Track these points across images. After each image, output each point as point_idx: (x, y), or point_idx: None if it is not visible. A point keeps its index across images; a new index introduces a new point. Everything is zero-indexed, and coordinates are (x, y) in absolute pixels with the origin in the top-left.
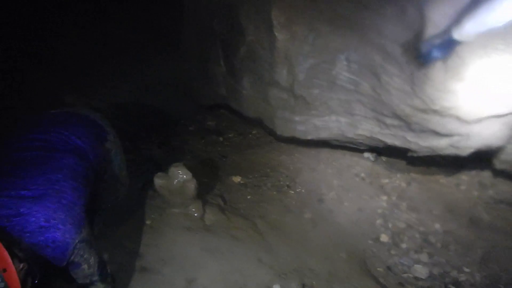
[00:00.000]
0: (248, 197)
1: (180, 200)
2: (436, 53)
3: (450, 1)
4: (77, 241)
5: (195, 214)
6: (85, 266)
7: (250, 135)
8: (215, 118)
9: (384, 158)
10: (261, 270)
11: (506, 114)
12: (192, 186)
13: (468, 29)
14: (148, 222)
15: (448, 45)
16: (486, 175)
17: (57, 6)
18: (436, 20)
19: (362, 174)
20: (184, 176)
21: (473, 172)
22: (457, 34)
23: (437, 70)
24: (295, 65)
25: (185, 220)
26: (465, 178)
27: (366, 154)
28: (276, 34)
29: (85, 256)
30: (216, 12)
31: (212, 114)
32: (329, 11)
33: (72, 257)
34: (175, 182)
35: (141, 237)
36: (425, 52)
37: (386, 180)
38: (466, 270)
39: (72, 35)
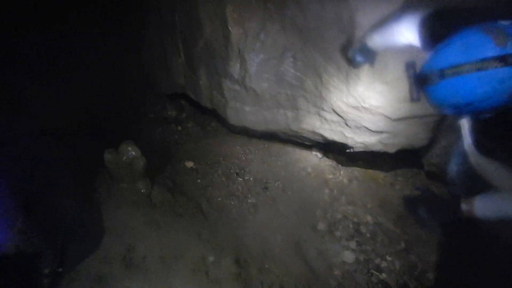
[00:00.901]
0: (198, 181)
1: (128, 176)
2: (361, 57)
3: (377, 8)
4: None
5: (142, 191)
6: None
7: (208, 127)
8: (175, 108)
9: (330, 156)
10: (199, 244)
11: (424, 116)
12: (140, 163)
13: (376, 41)
14: (95, 195)
15: (370, 53)
16: (420, 177)
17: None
18: (364, 25)
19: (309, 169)
20: (133, 153)
21: (409, 174)
22: (369, 42)
23: (366, 72)
24: (247, 59)
25: (131, 195)
26: (400, 179)
27: (314, 151)
28: (230, 29)
29: None
30: (177, 7)
31: (173, 105)
32: (278, 12)
33: None
34: (124, 158)
35: (88, 209)
36: (353, 55)
37: (330, 176)
38: (388, 258)
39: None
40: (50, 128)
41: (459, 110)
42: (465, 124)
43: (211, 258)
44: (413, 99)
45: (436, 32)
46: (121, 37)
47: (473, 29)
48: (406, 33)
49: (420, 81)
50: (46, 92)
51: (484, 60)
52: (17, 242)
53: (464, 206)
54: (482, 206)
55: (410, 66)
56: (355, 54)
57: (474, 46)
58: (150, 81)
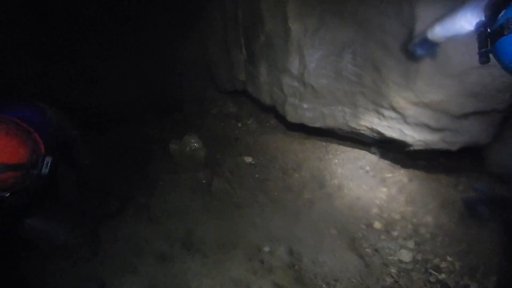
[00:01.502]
0: (256, 175)
1: (190, 166)
2: (422, 50)
3: (437, 2)
4: None
5: (203, 181)
6: None
7: (268, 124)
8: (236, 104)
9: (389, 155)
10: (254, 233)
11: (490, 111)
12: (202, 154)
13: (437, 32)
14: (161, 182)
15: (431, 46)
16: (483, 178)
17: None
18: (426, 19)
19: (367, 167)
20: (196, 144)
21: (474, 174)
22: (430, 35)
23: (427, 65)
24: (306, 56)
25: (193, 184)
26: (464, 179)
27: (373, 149)
28: (290, 25)
29: None
30: (240, 1)
31: (233, 101)
32: (338, 7)
33: None
34: (187, 149)
35: (153, 194)
36: (415, 48)
37: (389, 175)
38: (449, 259)
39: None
40: (120, 112)
41: None
42: None
43: (266, 248)
44: (483, 61)
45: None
46: (187, 30)
47: None
48: (471, 18)
49: (494, 36)
50: (118, 76)
51: None
52: None
53: None
54: None
55: (481, 25)
56: (415, 47)
57: None
58: (214, 77)
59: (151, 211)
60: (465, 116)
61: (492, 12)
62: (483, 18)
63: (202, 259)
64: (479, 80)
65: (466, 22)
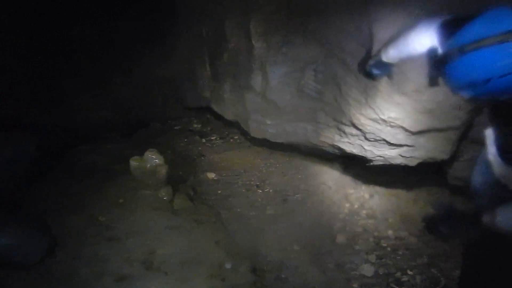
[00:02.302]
0: (219, 191)
1: (152, 183)
2: (378, 70)
3: (394, 22)
4: None
5: (165, 198)
6: None
7: (231, 140)
8: (200, 121)
9: (351, 171)
10: (217, 251)
11: (445, 129)
12: (163, 170)
13: (391, 54)
14: (121, 200)
15: (386, 66)
16: (445, 193)
17: None
18: (383, 39)
19: (329, 183)
20: (157, 161)
21: (433, 190)
22: (384, 56)
23: (385, 83)
24: (269, 72)
25: (154, 202)
26: (424, 194)
27: (335, 165)
28: (254, 43)
29: None
30: (205, 20)
31: (198, 117)
32: (301, 26)
33: None
34: (148, 166)
35: (113, 213)
36: (371, 68)
37: (351, 191)
38: (410, 272)
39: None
40: (84, 130)
41: (478, 90)
42: (490, 134)
43: (228, 265)
44: (432, 84)
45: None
46: (154, 47)
47: (500, 7)
48: (424, 40)
49: (440, 62)
50: (84, 93)
51: (508, 32)
52: None
53: (485, 218)
54: (504, 217)
55: (431, 50)
56: (371, 68)
57: (499, 20)
58: (179, 94)
59: (110, 230)
60: (422, 132)
61: (442, 36)
62: (435, 40)
63: (163, 278)
64: (434, 98)
65: (419, 43)
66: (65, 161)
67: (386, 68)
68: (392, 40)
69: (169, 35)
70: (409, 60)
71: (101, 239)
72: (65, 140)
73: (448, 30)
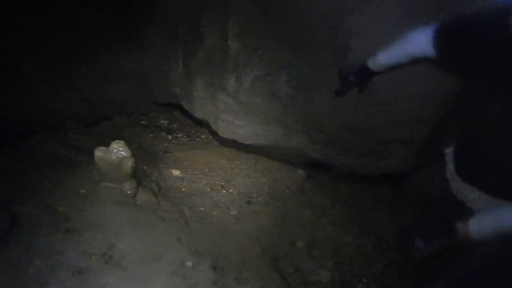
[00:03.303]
0: (183, 189)
1: (116, 175)
2: (355, 77)
3: (370, 35)
4: None
5: (128, 192)
6: None
7: (198, 139)
8: (168, 117)
9: (316, 177)
10: (178, 248)
11: (408, 142)
12: (129, 163)
13: (379, 59)
14: (82, 191)
15: (362, 75)
16: (402, 204)
17: None
18: (357, 50)
19: (293, 187)
20: (123, 153)
21: (394, 200)
22: (370, 64)
23: (355, 94)
24: (243, 74)
25: (117, 195)
26: (383, 205)
27: (300, 171)
28: (230, 43)
29: None
30: (181, 15)
31: (166, 113)
32: (277, 31)
33: None
34: (113, 157)
35: (73, 204)
36: (348, 74)
37: (314, 197)
38: (364, 280)
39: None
40: (43, 120)
41: None
42: (449, 152)
43: (189, 263)
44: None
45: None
46: (125, 40)
47: None
48: (420, 42)
49: None
50: (45, 81)
51: None
52: None
53: (459, 229)
54: (478, 226)
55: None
56: (349, 74)
57: None
58: (148, 89)
59: (69, 222)
60: (387, 143)
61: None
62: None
63: (122, 274)
64: (401, 111)
65: (415, 46)
66: (22, 149)
67: (364, 77)
68: (381, 47)
69: (141, 29)
70: (393, 67)
71: (58, 230)
72: (19, 127)
73: (447, 33)
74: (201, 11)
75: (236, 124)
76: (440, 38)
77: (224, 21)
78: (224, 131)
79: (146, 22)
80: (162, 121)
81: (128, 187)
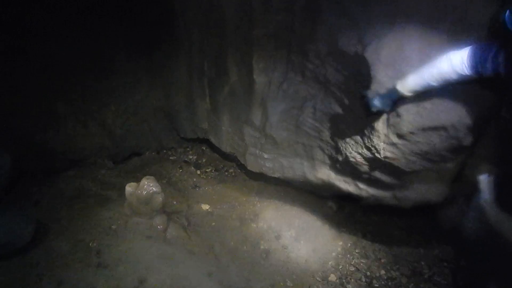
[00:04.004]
0: (213, 223)
1: (146, 211)
2: (378, 102)
3: (392, 64)
4: None
5: (159, 227)
6: None
7: (227, 173)
8: (196, 152)
9: (346, 209)
10: (209, 283)
11: (439, 171)
12: (159, 198)
13: (409, 82)
14: (113, 226)
15: (388, 100)
16: (434, 235)
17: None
18: (381, 79)
19: (323, 220)
20: (153, 188)
21: (426, 231)
22: (399, 86)
23: (381, 124)
24: (269, 108)
25: (147, 230)
26: (416, 236)
27: (330, 203)
28: (255, 77)
29: None
30: (207, 54)
31: (194, 148)
32: (300, 64)
33: None
34: (144, 193)
35: (105, 239)
36: (373, 100)
37: (344, 229)
38: None
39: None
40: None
41: None
42: (484, 179)
43: None
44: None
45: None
46: (151, 78)
47: None
48: (454, 62)
49: None
50: (78, 119)
51: None
52: None
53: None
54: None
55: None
56: (374, 98)
57: None
58: (176, 125)
59: (101, 257)
60: (415, 173)
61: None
62: (465, 63)
63: None
64: (428, 140)
65: (449, 67)
66: (53, 185)
67: (388, 102)
68: (411, 70)
69: (168, 66)
70: (405, 102)
71: (90, 265)
72: (53, 164)
73: (480, 53)
74: (226, 47)
75: (263, 157)
76: (474, 55)
77: (248, 57)
78: (252, 165)
79: (173, 60)
80: (190, 156)
81: (158, 222)
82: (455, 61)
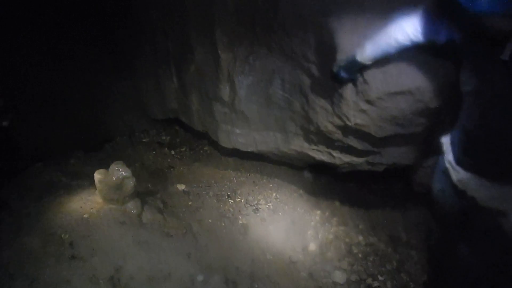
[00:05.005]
0: (189, 203)
1: (118, 197)
2: (345, 73)
3: (355, 31)
4: None
5: (133, 211)
6: None
7: (201, 151)
8: (169, 133)
9: (322, 178)
10: (188, 264)
11: (408, 135)
12: (130, 183)
13: (367, 51)
14: (85, 216)
15: (353, 68)
16: (410, 198)
17: None
18: (344, 47)
19: (301, 191)
20: (123, 173)
21: (400, 196)
22: (359, 56)
23: (349, 91)
24: (237, 82)
25: (121, 216)
26: (392, 201)
27: (306, 173)
28: (220, 53)
29: None
30: (170, 33)
31: (166, 130)
32: (265, 37)
33: None
34: (114, 178)
35: (77, 229)
36: (339, 71)
37: (322, 198)
38: (380, 278)
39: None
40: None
41: None
42: (446, 141)
43: (199, 278)
44: None
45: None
46: (115, 63)
47: None
48: (407, 28)
49: None
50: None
51: None
52: None
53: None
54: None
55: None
56: (339, 70)
57: None
58: (145, 107)
59: (74, 248)
60: (386, 139)
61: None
62: (418, 27)
63: None
64: (396, 105)
65: (402, 33)
66: (23, 180)
67: (354, 72)
68: (368, 38)
69: (132, 50)
70: (371, 68)
71: (63, 258)
72: (19, 158)
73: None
74: (189, 25)
75: (236, 133)
76: (426, 22)
77: (212, 31)
78: (225, 141)
79: (134, 44)
80: (164, 137)
81: (132, 207)
82: (409, 29)
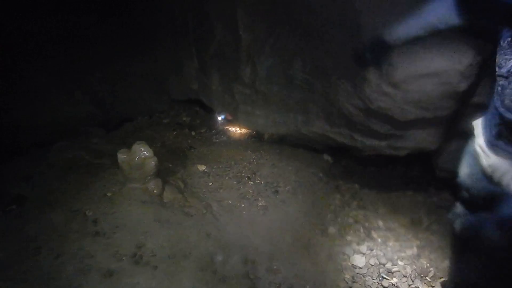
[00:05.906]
0: (209, 184)
1: (140, 176)
2: (371, 54)
3: (381, 12)
4: None
5: (154, 191)
6: None
7: (222, 132)
8: (189, 114)
9: (343, 162)
10: (208, 243)
11: (433, 119)
12: (152, 163)
13: (398, 32)
14: (108, 194)
15: (379, 49)
16: (433, 183)
17: None
18: (370, 28)
19: (320, 174)
20: (146, 153)
21: (422, 180)
22: (387, 37)
23: (372, 74)
24: (257, 63)
25: (143, 195)
26: (413, 185)
27: (326, 156)
28: (241, 34)
29: None
30: (190, 12)
31: (187, 110)
32: (287, 17)
33: None
34: (136, 158)
35: (100, 207)
36: (365, 51)
37: (341, 181)
38: (400, 263)
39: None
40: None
41: None
42: (478, 124)
43: (219, 257)
44: None
45: None
46: (136, 44)
47: None
48: (443, 16)
49: None
50: (64, 89)
51: None
52: None
53: None
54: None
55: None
56: (365, 51)
57: None
58: (166, 87)
59: (98, 225)
60: (410, 122)
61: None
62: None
63: (152, 272)
64: (422, 88)
65: (435, 17)
66: (45, 158)
67: (380, 53)
68: (398, 18)
69: (151, 31)
70: (397, 51)
71: (87, 234)
72: (41, 135)
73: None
74: (209, 5)
75: (256, 114)
76: (462, 3)
77: (233, 12)
78: (245, 122)
79: (154, 22)
80: (184, 118)
81: (153, 186)
82: (443, 11)
